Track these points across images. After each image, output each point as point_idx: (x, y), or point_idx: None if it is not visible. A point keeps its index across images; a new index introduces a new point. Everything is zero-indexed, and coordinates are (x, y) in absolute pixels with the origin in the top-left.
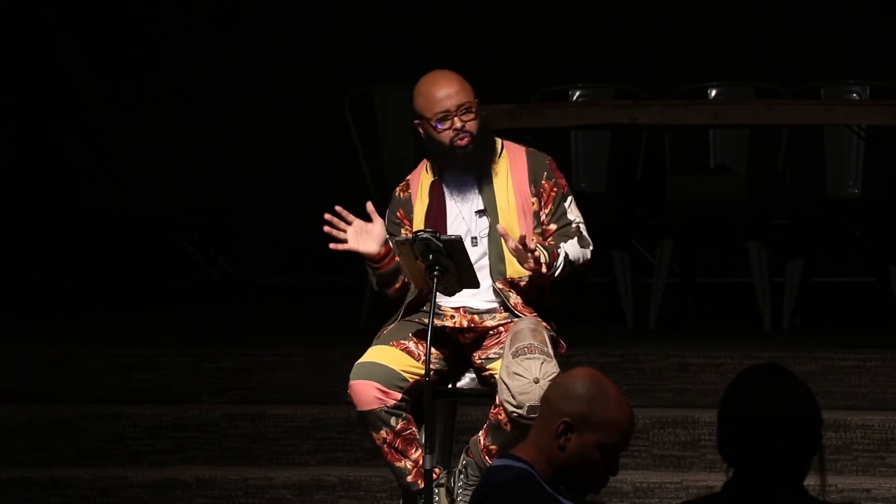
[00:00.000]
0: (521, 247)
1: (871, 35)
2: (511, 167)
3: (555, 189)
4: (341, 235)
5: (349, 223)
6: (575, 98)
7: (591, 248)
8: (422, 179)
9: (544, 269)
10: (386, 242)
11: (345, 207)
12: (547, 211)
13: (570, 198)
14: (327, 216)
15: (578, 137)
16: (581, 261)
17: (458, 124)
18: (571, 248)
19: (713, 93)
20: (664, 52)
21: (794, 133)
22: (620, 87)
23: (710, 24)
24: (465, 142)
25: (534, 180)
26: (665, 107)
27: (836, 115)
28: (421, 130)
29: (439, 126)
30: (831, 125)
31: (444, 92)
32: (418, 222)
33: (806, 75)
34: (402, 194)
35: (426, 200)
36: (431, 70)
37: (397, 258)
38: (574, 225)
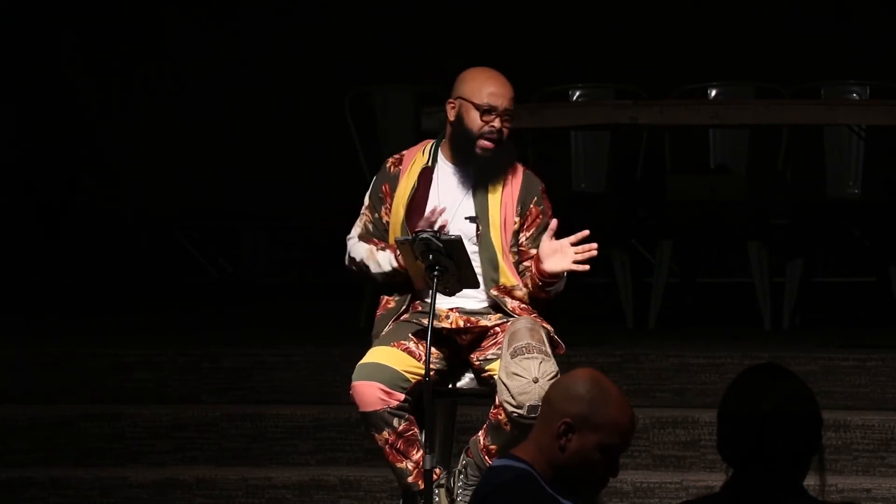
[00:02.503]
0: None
1: (871, 35)
2: (508, 182)
3: (540, 216)
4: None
5: None
6: (575, 98)
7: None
8: (416, 159)
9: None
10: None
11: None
12: (528, 235)
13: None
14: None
15: (578, 137)
16: (562, 287)
17: (497, 125)
18: None
19: (713, 93)
20: (664, 52)
21: (794, 133)
22: (620, 87)
23: (710, 24)
24: (492, 143)
25: (522, 200)
26: (665, 107)
27: (836, 115)
28: (452, 111)
29: (482, 116)
30: (831, 125)
31: (499, 89)
32: (399, 203)
33: (806, 75)
34: (392, 168)
35: (411, 183)
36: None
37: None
38: None
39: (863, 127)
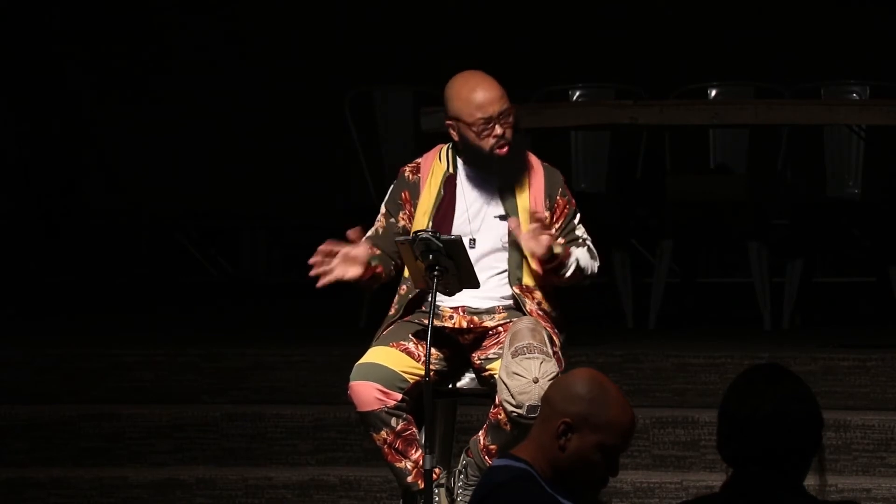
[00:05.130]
0: (537, 225)
1: (871, 35)
2: (531, 178)
3: (568, 206)
4: (328, 268)
5: (335, 254)
6: (575, 98)
7: (598, 263)
8: (434, 167)
9: (549, 262)
10: (369, 263)
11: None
12: (558, 226)
13: (578, 215)
14: (315, 260)
15: (578, 137)
16: (589, 271)
17: (499, 131)
18: (582, 256)
19: (713, 93)
20: (664, 52)
21: (794, 133)
22: (620, 87)
23: (710, 24)
24: (504, 150)
25: (549, 194)
26: (665, 107)
27: (836, 115)
28: (454, 132)
29: (482, 133)
30: (831, 125)
31: (485, 98)
32: (423, 212)
33: (806, 75)
34: (411, 176)
35: (435, 192)
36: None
37: (376, 267)
38: (581, 239)
39: (863, 127)
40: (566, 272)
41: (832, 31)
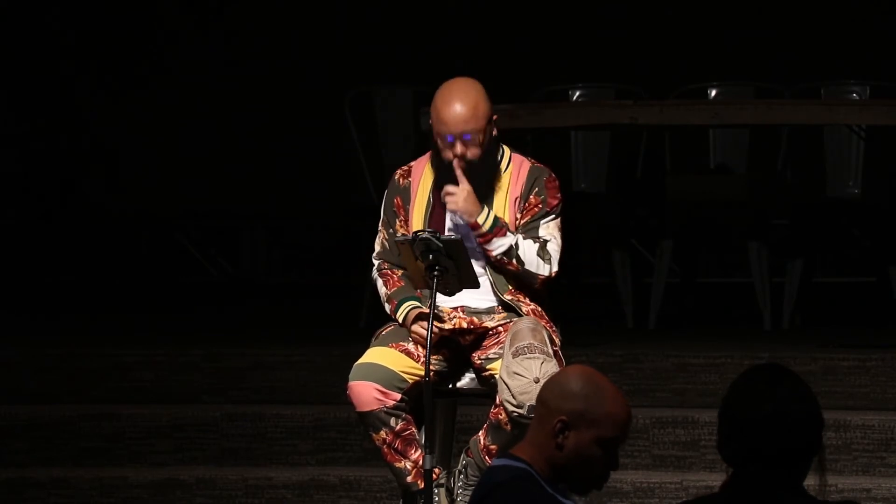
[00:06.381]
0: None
1: (871, 35)
2: (512, 183)
3: (539, 205)
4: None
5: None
6: (575, 98)
7: (551, 269)
8: (425, 172)
9: (477, 225)
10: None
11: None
12: (522, 223)
13: (551, 216)
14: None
15: (578, 137)
16: (532, 267)
17: (459, 151)
18: (527, 248)
19: (713, 93)
20: (664, 52)
21: (794, 133)
22: (620, 87)
23: (710, 24)
24: (461, 167)
25: (525, 195)
26: (665, 107)
27: (836, 115)
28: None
29: (443, 146)
30: (831, 125)
31: (454, 116)
32: (415, 216)
33: (806, 75)
34: (402, 181)
35: (426, 199)
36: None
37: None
38: (542, 240)
39: (863, 127)
40: (493, 250)
41: (832, 31)
